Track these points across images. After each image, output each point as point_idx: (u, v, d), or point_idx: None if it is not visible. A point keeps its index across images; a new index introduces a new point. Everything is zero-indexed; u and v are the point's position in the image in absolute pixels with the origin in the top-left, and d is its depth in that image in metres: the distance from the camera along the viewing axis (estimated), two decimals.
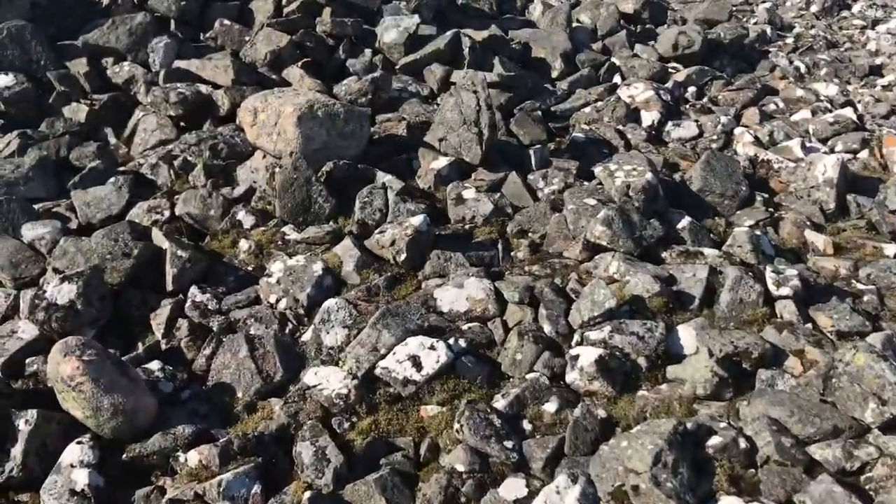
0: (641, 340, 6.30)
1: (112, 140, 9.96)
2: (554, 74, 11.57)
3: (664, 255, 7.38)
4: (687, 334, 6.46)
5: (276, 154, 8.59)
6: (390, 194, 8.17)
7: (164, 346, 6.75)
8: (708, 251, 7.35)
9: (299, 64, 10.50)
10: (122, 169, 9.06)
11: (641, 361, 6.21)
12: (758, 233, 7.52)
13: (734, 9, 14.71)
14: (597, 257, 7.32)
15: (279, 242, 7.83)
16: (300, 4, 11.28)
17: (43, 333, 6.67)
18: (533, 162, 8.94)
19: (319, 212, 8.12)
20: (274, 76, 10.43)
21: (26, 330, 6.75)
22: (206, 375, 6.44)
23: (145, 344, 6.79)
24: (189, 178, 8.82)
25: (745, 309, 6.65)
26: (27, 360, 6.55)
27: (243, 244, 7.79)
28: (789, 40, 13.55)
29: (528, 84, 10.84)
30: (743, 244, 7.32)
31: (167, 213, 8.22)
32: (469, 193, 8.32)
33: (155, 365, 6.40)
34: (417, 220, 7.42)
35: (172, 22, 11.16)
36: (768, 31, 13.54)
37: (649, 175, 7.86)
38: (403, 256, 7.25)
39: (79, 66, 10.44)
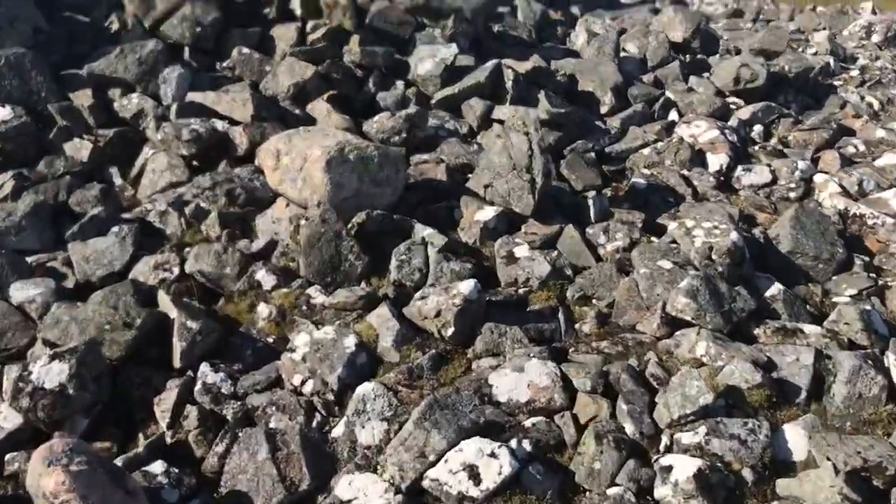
0: (744, 445, 5.20)
1: (118, 181, 8.98)
2: (603, 110, 10.52)
3: (757, 331, 6.28)
4: (796, 436, 5.36)
5: (300, 202, 7.58)
6: (431, 251, 7.13)
7: (169, 440, 5.68)
8: (808, 328, 6.24)
9: (325, 97, 9.50)
10: (126, 216, 8.05)
11: (746, 473, 5.10)
12: (867, 307, 6.40)
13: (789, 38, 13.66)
14: (678, 334, 6.23)
15: (304, 308, 6.79)
16: (326, 32, 10.32)
17: (28, 422, 5.65)
18: (591, 213, 7.88)
19: (350, 270, 7.09)
20: (297, 111, 9.44)
21: (8, 417, 5.74)
22: (218, 479, 5.36)
23: (147, 435, 5.75)
24: (202, 228, 7.82)
25: (865, 406, 5.53)
26: (7, 457, 5.53)
27: (263, 309, 6.75)
28: (854, 73, 12.47)
29: (577, 120, 9.80)
30: (851, 321, 6.21)
31: (176, 271, 7.20)
32: (521, 251, 7.26)
33: (158, 467, 5.33)
34: (466, 286, 6.36)
35: (186, 50, 10.21)
36: (832, 62, 12.46)
37: (734, 235, 6.77)
38: (451, 331, 6.18)
39: (83, 99, 9.47)
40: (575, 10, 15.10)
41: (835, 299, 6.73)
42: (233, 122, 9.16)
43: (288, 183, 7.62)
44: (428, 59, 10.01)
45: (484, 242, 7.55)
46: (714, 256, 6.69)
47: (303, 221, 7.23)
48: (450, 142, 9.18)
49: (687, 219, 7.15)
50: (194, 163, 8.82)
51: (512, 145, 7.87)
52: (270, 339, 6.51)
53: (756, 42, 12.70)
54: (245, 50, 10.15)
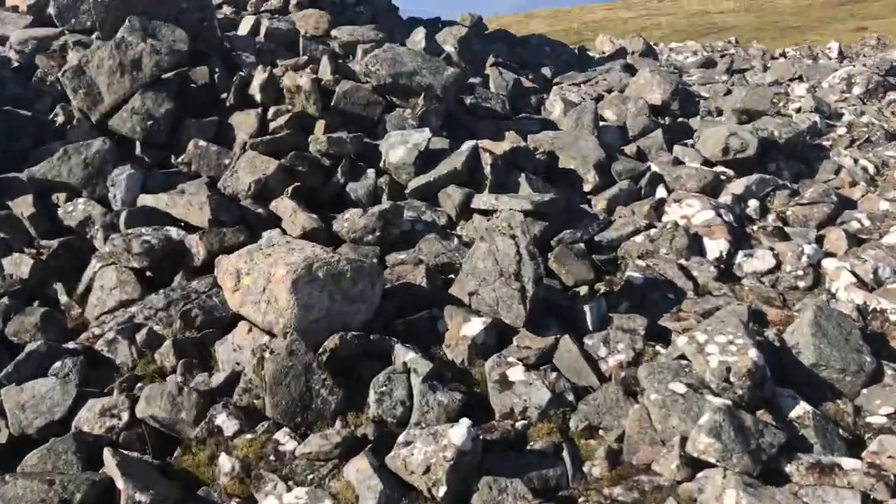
0: None
1: (63, 298, 8.14)
2: (587, 188, 9.90)
3: (789, 468, 5.53)
4: None
5: (265, 327, 6.77)
6: (415, 380, 6.35)
7: None
8: (847, 462, 5.52)
9: (289, 192, 8.73)
10: (70, 346, 7.18)
11: None
12: None
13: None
14: (700, 476, 5.47)
15: (271, 458, 5.94)
16: (289, 118, 9.61)
17: None
18: (588, 320, 7.16)
19: (323, 408, 6.27)
20: (260, 210, 8.66)
21: None
22: None
23: None
24: (155, 358, 6.97)
25: None
26: None
27: (224, 462, 5.88)
28: (841, 130, 12.02)
29: (562, 206, 9.11)
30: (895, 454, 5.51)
31: (125, 417, 6.34)
32: (516, 374, 6.50)
33: None
34: (458, 434, 5.54)
35: (137, 145, 9.44)
36: (818, 120, 12.01)
37: (753, 353, 6.07)
38: (443, 490, 5.35)
39: (23, 207, 8.67)
40: (546, 71, 14.61)
41: (868, 419, 6.05)
42: (189, 227, 8.38)
43: (250, 305, 6.81)
44: (399, 145, 9.30)
45: (473, 361, 6.79)
46: (732, 378, 5.98)
47: (268, 355, 6.41)
48: (428, 238, 8.44)
49: (698, 332, 6.43)
50: (147, 273, 8.01)
51: (497, 250, 7.15)
52: (234, 503, 5.65)
53: (738, 102, 12.22)
54: (201, 143, 9.39)
